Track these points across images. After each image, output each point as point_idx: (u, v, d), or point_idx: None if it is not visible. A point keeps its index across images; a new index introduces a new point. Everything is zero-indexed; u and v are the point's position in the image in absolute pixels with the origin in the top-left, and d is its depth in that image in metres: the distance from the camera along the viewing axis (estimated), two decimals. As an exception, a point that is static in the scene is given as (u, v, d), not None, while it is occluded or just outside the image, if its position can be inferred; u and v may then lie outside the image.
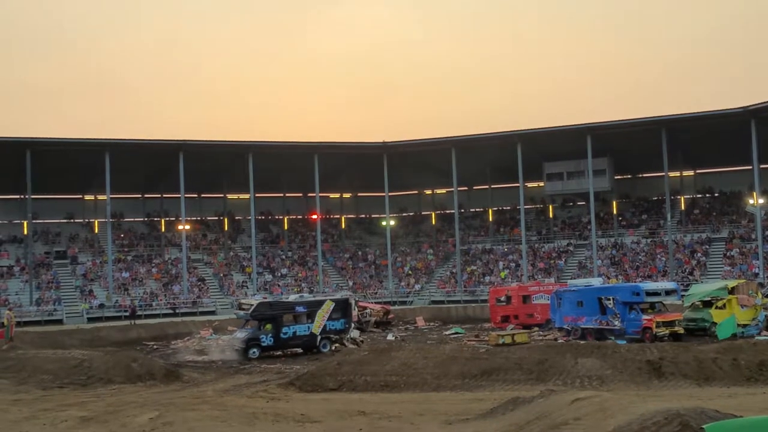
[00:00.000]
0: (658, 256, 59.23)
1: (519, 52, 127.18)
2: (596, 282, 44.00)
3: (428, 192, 75.21)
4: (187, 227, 61.73)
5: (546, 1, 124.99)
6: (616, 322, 36.45)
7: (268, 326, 36.53)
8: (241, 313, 38.02)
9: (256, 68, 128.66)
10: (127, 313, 54.03)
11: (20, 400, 23.35)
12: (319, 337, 37.43)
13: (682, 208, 65.07)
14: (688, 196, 66.71)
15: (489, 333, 40.18)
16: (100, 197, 62.72)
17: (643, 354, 26.00)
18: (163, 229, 67.15)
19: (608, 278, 55.16)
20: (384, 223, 67.02)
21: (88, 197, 66.58)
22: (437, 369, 25.86)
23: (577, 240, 65.13)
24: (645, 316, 35.57)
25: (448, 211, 71.39)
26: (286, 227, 71.06)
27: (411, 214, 76.06)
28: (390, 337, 43.77)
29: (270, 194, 70.37)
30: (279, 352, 36.90)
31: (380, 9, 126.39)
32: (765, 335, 34.32)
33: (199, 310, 56.86)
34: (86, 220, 66.74)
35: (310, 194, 67.52)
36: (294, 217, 72.67)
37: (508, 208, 70.47)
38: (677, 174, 65.04)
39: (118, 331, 48.55)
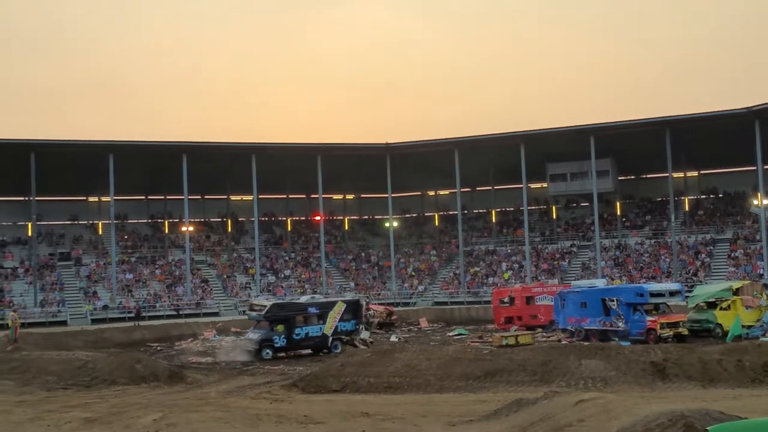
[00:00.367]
0: (662, 257, 59.13)
1: (521, 53, 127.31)
2: (600, 283, 43.95)
3: (431, 193, 75.19)
4: (191, 229, 61.80)
5: (547, 1, 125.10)
6: (620, 324, 36.41)
7: (280, 327, 36.76)
8: (254, 314, 38.22)
9: (259, 69, 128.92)
10: (132, 315, 54.09)
11: (24, 401, 23.38)
12: (330, 338, 37.73)
13: (686, 208, 64.96)
14: (692, 197, 66.61)
15: (492, 334, 40.16)
16: (104, 199, 62.83)
17: (647, 355, 25.95)
18: (166, 231, 67.23)
19: (612, 279, 55.04)
20: (387, 224, 67.02)
21: (92, 199, 66.68)
22: (440, 370, 25.85)
23: (580, 241, 65.05)
24: (649, 318, 35.53)
25: (451, 213, 71.35)
26: (289, 228, 71.08)
27: (414, 215, 76.04)
28: (393, 338, 43.77)
29: (273, 196, 70.42)
30: (283, 354, 36.92)
31: (382, 9, 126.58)
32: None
33: (203, 311, 56.92)
34: (90, 222, 66.85)
35: (313, 195, 67.53)
36: (297, 218, 72.70)
37: (512, 209, 70.42)
38: (681, 175, 64.95)
39: (121, 332, 48.59)
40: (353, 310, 38.98)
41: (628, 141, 59.22)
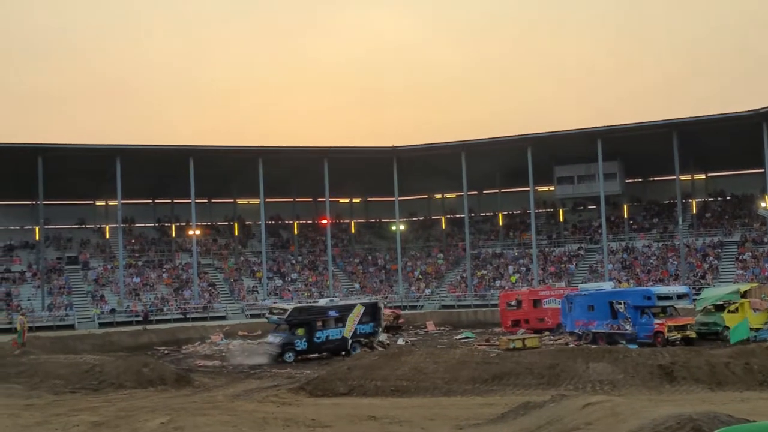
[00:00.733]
0: (670, 259, 58.97)
1: (527, 56, 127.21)
2: (607, 286, 43.85)
3: (438, 196, 75.18)
4: (198, 232, 61.89)
5: (553, 4, 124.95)
6: (628, 327, 36.33)
7: (301, 330, 36.96)
8: (274, 317, 38.38)
9: (265, 73, 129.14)
10: (140, 318, 54.20)
11: (32, 405, 23.44)
12: (350, 341, 37.98)
13: (694, 211, 64.80)
14: (700, 200, 66.44)
15: (500, 337, 40.08)
16: (111, 203, 62.95)
17: (655, 358, 25.89)
18: (173, 235, 67.36)
19: (619, 282, 54.93)
20: (394, 227, 67.03)
21: (99, 203, 66.85)
22: (448, 374, 25.82)
23: (588, 244, 64.93)
24: (657, 321, 35.45)
25: (458, 216, 71.29)
26: (296, 232, 71.15)
27: (421, 218, 76.03)
28: (400, 341, 43.73)
29: (280, 199, 70.51)
30: (304, 357, 37.03)
31: (388, 13, 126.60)
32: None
33: (210, 314, 56.97)
34: (97, 226, 66.99)
35: (320, 199, 67.55)
36: (304, 221, 72.75)
37: (519, 212, 70.34)
38: (689, 177, 64.77)
39: (129, 336, 48.68)
40: (372, 312, 39.24)
41: (636, 143, 59.09)
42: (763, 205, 56.57)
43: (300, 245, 70.38)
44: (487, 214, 72.85)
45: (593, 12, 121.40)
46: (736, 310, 36.12)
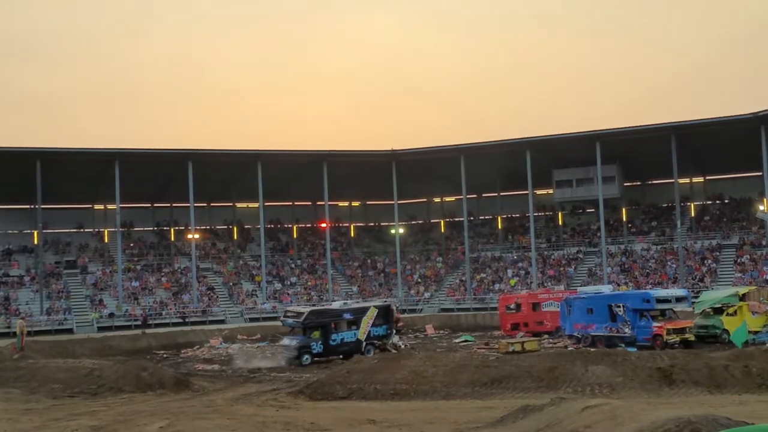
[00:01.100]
0: (669, 263, 59.00)
1: (526, 59, 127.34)
2: (606, 289, 43.89)
3: (437, 200, 75.17)
4: (197, 236, 61.86)
5: (553, 8, 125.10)
6: (627, 330, 36.36)
7: (316, 333, 37.29)
8: (290, 320, 38.72)
9: (264, 77, 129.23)
10: (139, 323, 54.17)
11: (31, 409, 23.43)
12: (364, 343, 38.34)
13: (692, 214, 64.82)
14: (698, 203, 66.46)
15: (499, 341, 40.12)
16: (110, 207, 62.90)
17: (654, 361, 25.94)
18: (172, 238, 67.33)
19: (618, 285, 54.94)
20: (393, 231, 67.02)
21: (97, 207, 66.78)
22: (447, 377, 25.83)
23: (586, 247, 64.95)
24: (655, 324, 35.49)
25: (457, 219, 71.33)
26: (295, 236, 71.15)
27: (420, 222, 76.03)
28: (396, 340, 43.68)
29: (279, 203, 70.50)
30: (320, 359, 37.15)
31: (388, 17, 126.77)
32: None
33: (209, 318, 56.91)
34: (96, 230, 66.96)
35: (319, 202, 67.53)
36: (303, 225, 72.73)
37: (518, 215, 70.34)
38: (687, 180, 64.81)
39: (128, 340, 48.68)
40: (385, 315, 39.71)
41: (634, 147, 59.15)
42: (761, 208, 56.64)
43: (299, 249, 70.36)
44: (486, 217, 72.85)
45: (592, 16, 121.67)
46: (735, 313, 36.14)
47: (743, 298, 36.72)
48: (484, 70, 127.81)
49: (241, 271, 65.39)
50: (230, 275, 64.39)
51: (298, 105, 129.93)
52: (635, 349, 32.51)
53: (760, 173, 55.24)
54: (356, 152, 65.78)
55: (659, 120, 58.23)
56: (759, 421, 12.15)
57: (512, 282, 61.81)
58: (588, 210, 68.44)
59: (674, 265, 58.03)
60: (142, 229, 68.84)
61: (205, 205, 68.13)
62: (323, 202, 63.63)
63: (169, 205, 68.13)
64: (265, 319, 57.46)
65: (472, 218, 69.46)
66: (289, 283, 64.65)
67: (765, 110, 52.52)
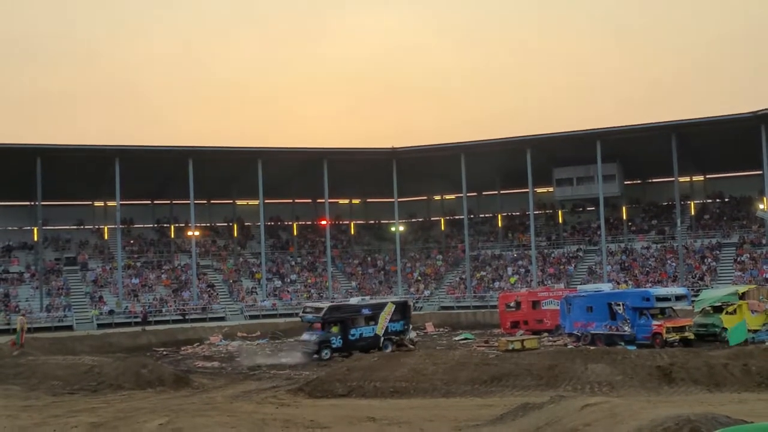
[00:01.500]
0: (668, 261, 59.01)
1: (527, 58, 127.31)
2: (606, 287, 43.89)
3: (437, 198, 75.17)
4: (197, 233, 61.87)
5: (553, 7, 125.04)
6: (626, 328, 36.36)
7: (335, 328, 37.67)
8: (309, 316, 39.02)
9: (265, 75, 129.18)
10: (138, 319, 54.18)
11: (30, 406, 23.43)
12: (382, 338, 38.71)
13: (692, 213, 64.82)
14: (698, 201, 66.46)
15: (498, 339, 40.09)
16: (110, 204, 62.95)
17: (654, 360, 25.94)
18: (172, 236, 67.34)
19: (618, 284, 54.93)
20: (393, 228, 67.02)
21: (98, 204, 66.80)
22: (447, 375, 25.84)
23: (586, 245, 64.96)
24: (655, 322, 35.48)
25: (457, 217, 71.34)
26: (295, 233, 71.16)
27: (420, 219, 76.04)
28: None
29: (279, 200, 70.52)
30: (339, 354, 37.35)
31: (388, 16, 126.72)
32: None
33: (209, 316, 56.96)
34: (96, 227, 66.96)
35: (319, 200, 67.53)
36: (303, 223, 72.75)
37: (518, 213, 70.33)
38: (687, 179, 64.80)
39: (127, 337, 48.67)
40: (402, 310, 40.03)
41: (635, 145, 59.15)
42: (761, 206, 56.63)
43: (299, 246, 70.37)
44: (487, 215, 72.85)
45: (592, 15, 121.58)
46: (735, 311, 36.14)
47: (743, 296, 36.72)
48: (484, 69, 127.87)
49: (241, 269, 65.40)
50: (230, 272, 64.41)
51: (299, 103, 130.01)
52: (635, 348, 32.48)
53: (760, 172, 55.23)
54: (356, 150, 65.79)
55: (660, 119, 58.08)
56: (758, 420, 12.16)
57: (512, 280, 61.83)
58: (588, 208, 68.44)
59: (674, 264, 58.03)
60: (142, 226, 68.89)
61: (205, 202, 68.14)
62: (323, 200, 63.64)
63: (169, 202, 68.13)
64: (264, 316, 57.55)
65: (472, 216, 69.45)
66: (289, 280, 64.66)
67: (765, 109, 52.51)
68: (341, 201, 73.82)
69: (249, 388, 27.56)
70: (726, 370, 24.36)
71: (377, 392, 24.88)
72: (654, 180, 67.84)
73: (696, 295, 42.37)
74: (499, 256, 66.58)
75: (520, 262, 64.56)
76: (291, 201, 71.83)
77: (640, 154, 60.76)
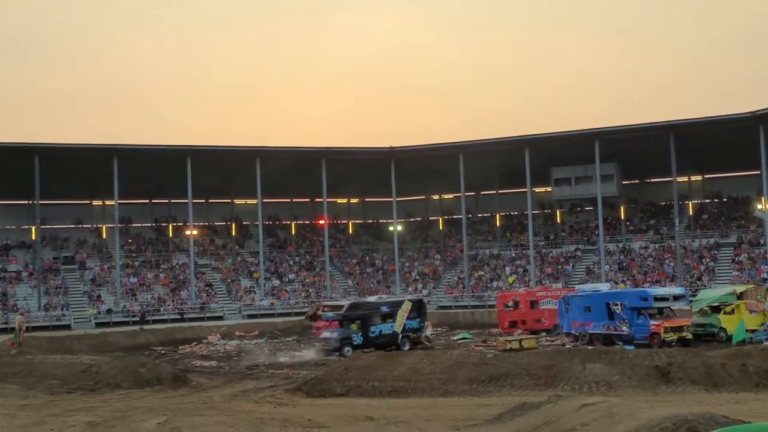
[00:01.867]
0: (667, 261, 59.05)
1: (526, 57, 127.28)
2: (604, 287, 43.89)
3: (435, 197, 75.17)
4: (195, 232, 61.85)
5: (552, 7, 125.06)
6: (624, 328, 36.36)
7: (355, 326, 38.18)
8: (330, 314, 39.62)
9: (264, 74, 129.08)
10: (136, 319, 54.15)
11: (28, 405, 23.42)
12: (400, 335, 39.17)
13: (691, 213, 64.86)
14: (697, 201, 66.48)
15: (497, 338, 40.07)
16: (108, 203, 62.92)
17: (652, 359, 25.95)
18: (170, 235, 67.30)
19: (616, 283, 54.94)
20: (391, 228, 67.01)
21: (96, 203, 66.77)
22: (445, 374, 25.85)
23: (584, 245, 64.98)
24: (653, 322, 35.48)
25: (455, 217, 71.31)
26: (293, 232, 71.14)
27: (418, 219, 76.03)
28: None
29: (277, 199, 70.49)
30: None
31: (387, 15, 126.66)
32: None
33: (207, 315, 56.95)
34: (94, 226, 66.93)
35: (317, 199, 67.50)
36: (301, 222, 72.73)
37: (516, 213, 70.34)
38: (685, 179, 64.79)
39: (125, 336, 48.62)
40: (418, 308, 40.51)
41: (633, 145, 59.17)
42: (759, 206, 56.63)
43: (297, 246, 70.35)
44: (485, 215, 72.86)
45: (593, 15, 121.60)
46: (733, 311, 36.16)
47: (741, 296, 36.75)
48: (483, 68, 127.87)
49: (239, 268, 65.38)
50: (228, 272, 64.39)
51: (298, 103, 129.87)
52: (633, 347, 32.51)
53: (759, 172, 55.24)
54: (355, 149, 65.78)
55: (658, 119, 58.10)
56: (756, 420, 12.16)
57: (510, 280, 61.85)
58: (586, 208, 68.45)
59: (672, 264, 58.08)
60: (140, 225, 68.88)
61: (203, 201, 68.11)
62: (322, 199, 63.61)
63: (167, 201, 68.06)
64: (263, 315, 57.55)
65: (470, 216, 69.48)
66: (287, 279, 64.65)
67: (763, 109, 52.54)
68: (339, 200, 73.78)
69: (247, 388, 27.55)
70: (724, 370, 24.37)
71: (375, 392, 24.88)
72: (652, 180, 67.88)
73: (694, 295, 42.42)
74: (497, 256, 66.59)
75: (518, 262, 64.57)
76: (289, 200, 71.80)
77: (638, 153, 60.79)
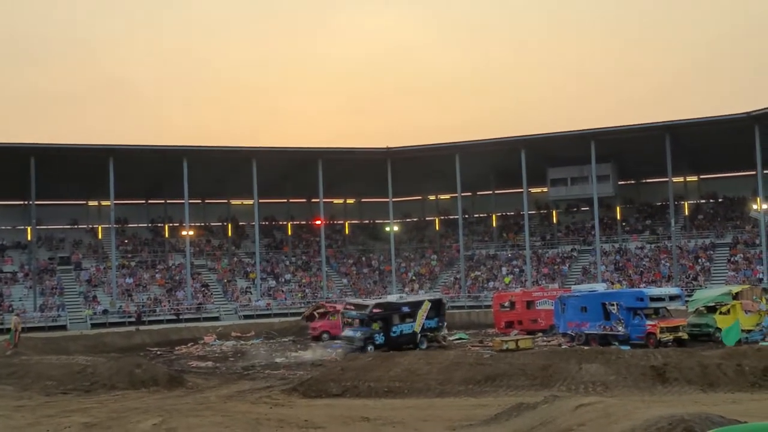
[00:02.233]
0: (662, 261, 59.12)
1: (523, 58, 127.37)
2: (600, 287, 43.90)
3: (432, 197, 75.18)
4: (191, 233, 61.76)
5: (550, 8, 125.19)
6: (620, 328, 36.37)
7: (376, 325, 38.57)
8: (354, 313, 40.19)
9: (260, 74, 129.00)
10: (132, 319, 54.07)
11: (23, 406, 23.37)
12: (419, 335, 39.45)
13: (686, 213, 64.97)
14: (692, 202, 66.61)
15: (493, 338, 40.11)
16: (104, 203, 62.83)
17: (647, 359, 25.98)
18: (166, 235, 67.22)
19: (612, 284, 55.02)
20: (388, 228, 66.97)
21: (92, 203, 66.65)
22: (441, 375, 25.85)
23: (581, 245, 65.05)
24: (649, 322, 35.49)
25: (451, 217, 71.36)
26: (289, 233, 71.10)
27: (415, 219, 76.04)
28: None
29: (274, 200, 70.41)
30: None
31: (384, 15, 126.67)
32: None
33: (203, 315, 56.90)
34: (90, 226, 66.81)
35: (314, 200, 67.53)
36: (298, 222, 72.70)
37: (512, 213, 70.41)
38: (681, 179, 64.96)
39: (121, 336, 48.55)
40: (436, 308, 40.85)
41: (629, 145, 59.24)
42: (754, 207, 56.74)
43: (294, 246, 70.32)
44: (481, 215, 72.89)
45: (590, 16, 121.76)
46: (728, 311, 36.18)
47: (736, 296, 36.76)
48: (480, 68, 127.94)
49: (236, 268, 65.33)
50: (224, 272, 64.33)
51: (296, 102, 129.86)
52: (629, 348, 32.52)
53: (754, 172, 55.36)
54: (351, 150, 65.77)
55: (654, 119, 58.19)
56: (752, 420, 12.17)
57: (507, 280, 61.89)
58: (582, 208, 68.58)
59: (668, 264, 58.16)
60: (136, 225, 68.80)
61: (199, 201, 68.02)
62: (318, 200, 63.64)
63: (163, 201, 67.95)
64: (259, 316, 57.48)
65: (466, 216, 69.49)
66: (283, 280, 64.62)
67: (759, 110, 52.64)
68: (336, 201, 73.80)
69: (243, 388, 27.52)
70: (719, 370, 24.41)
71: (371, 392, 24.88)
72: (648, 180, 67.97)
73: (690, 295, 42.43)
74: (493, 256, 66.63)
75: (514, 262, 64.62)
76: (285, 200, 71.74)
77: (634, 154, 60.89)
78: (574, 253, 64.32)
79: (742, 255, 57.22)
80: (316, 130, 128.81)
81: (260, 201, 62.24)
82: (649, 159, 60.52)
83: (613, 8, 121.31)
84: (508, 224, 70.80)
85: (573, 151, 60.19)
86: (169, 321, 55.13)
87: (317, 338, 45.84)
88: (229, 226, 69.51)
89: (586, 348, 32.69)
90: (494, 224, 70.08)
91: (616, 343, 35.14)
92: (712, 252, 59.25)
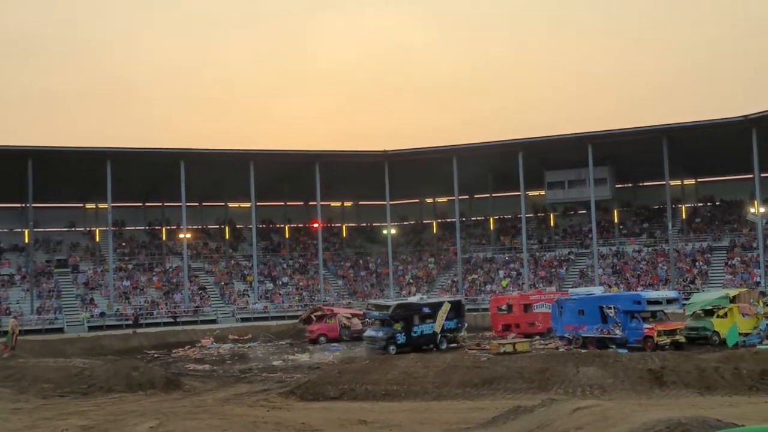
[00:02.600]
0: (660, 264, 59.16)
1: (523, 58, 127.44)
2: (597, 291, 43.96)
3: (429, 200, 75.13)
4: (188, 236, 61.68)
5: (548, 10, 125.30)
6: (618, 331, 36.42)
7: (398, 325, 39.19)
8: (376, 313, 41.04)
9: (258, 76, 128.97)
10: (130, 322, 54.00)
11: (20, 408, 23.34)
12: (439, 336, 40.22)
13: (684, 216, 65.02)
14: (689, 205, 66.66)
15: (490, 342, 40.17)
16: (102, 206, 62.67)
17: (645, 363, 26.01)
18: (164, 238, 67.14)
19: (609, 287, 55.05)
20: (385, 231, 66.95)
21: (89, 206, 66.53)
22: (438, 378, 25.85)
23: (578, 248, 65.07)
24: (646, 325, 35.55)
25: (449, 220, 71.34)
26: (287, 236, 71.06)
27: (412, 222, 76.00)
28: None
29: (271, 203, 70.35)
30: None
31: (383, 16, 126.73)
32: (767, 344, 34.24)
33: (200, 318, 56.83)
34: (87, 229, 66.71)
35: (311, 203, 67.51)
36: (295, 225, 72.65)
37: (510, 216, 70.41)
38: (678, 182, 64.99)
39: (118, 339, 48.54)
40: (456, 309, 41.59)
41: (626, 149, 59.31)
42: (752, 210, 56.83)
43: (291, 249, 70.28)
44: (478, 218, 72.89)
45: (588, 19, 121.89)
46: (726, 314, 36.24)
47: (734, 300, 36.82)
48: (480, 68, 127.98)
49: (233, 271, 65.28)
50: (222, 275, 64.28)
51: (291, 105, 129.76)
52: (626, 351, 32.58)
53: (751, 176, 55.42)
54: (349, 152, 65.74)
55: (651, 122, 58.24)
56: (749, 423, 12.20)
57: (504, 283, 61.88)
58: (580, 211, 68.61)
59: (665, 267, 58.19)
60: (133, 228, 68.64)
61: (197, 204, 67.99)
62: (315, 203, 63.62)
63: (160, 204, 67.88)
64: (256, 318, 57.46)
65: (464, 219, 69.51)
66: (280, 283, 64.58)
67: (756, 113, 52.73)
68: (333, 203, 73.77)
69: (240, 391, 27.52)
70: (717, 374, 24.44)
71: (369, 395, 24.87)
72: (645, 183, 67.99)
73: (687, 299, 42.48)
74: (490, 259, 66.64)
75: (511, 265, 64.62)
76: (283, 203, 71.69)
77: (631, 157, 60.90)
78: (572, 256, 64.35)
79: (739, 258, 57.28)
80: (315, 131, 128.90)
81: (257, 204, 62.18)
82: (646, 162, 60.56)
83: (613, 8, 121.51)
84: (506, 227, 70.81)
85: (570, 154, 60.25)
86: (166, 324, 55.05)
87: (314, 341, 45.86)
88: (227, 228, 69.46)
89: (583, 351, 32.71)
90: (491, 227, 70.06)
91: (614, 347, 35.19)
92: (709, 255, 59.30)
